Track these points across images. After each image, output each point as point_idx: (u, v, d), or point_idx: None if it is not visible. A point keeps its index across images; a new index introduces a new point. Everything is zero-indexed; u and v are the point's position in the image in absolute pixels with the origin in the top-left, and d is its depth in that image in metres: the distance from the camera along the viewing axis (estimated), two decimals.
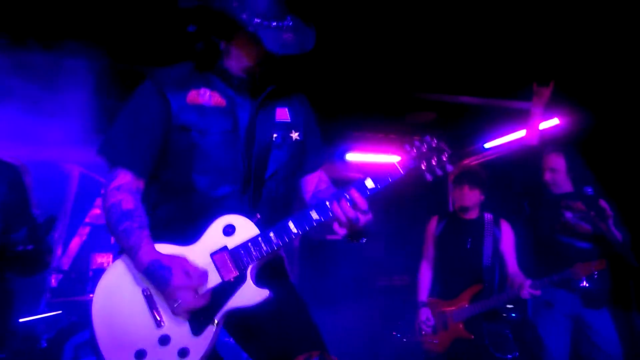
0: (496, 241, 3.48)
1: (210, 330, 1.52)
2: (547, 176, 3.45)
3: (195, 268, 1.53)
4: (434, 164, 1.65)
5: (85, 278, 4.50)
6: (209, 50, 1.69)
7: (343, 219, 1.55)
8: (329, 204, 1.57)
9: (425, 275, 3.64)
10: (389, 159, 6.70)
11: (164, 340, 1.51)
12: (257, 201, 1.65)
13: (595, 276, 3.08)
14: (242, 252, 1.57)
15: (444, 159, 1.66)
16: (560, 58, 4.15)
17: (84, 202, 5.32)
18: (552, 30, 3.82)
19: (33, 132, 4.03)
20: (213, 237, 1.59)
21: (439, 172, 1.66)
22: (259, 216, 1.62)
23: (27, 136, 3.92)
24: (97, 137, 2.10)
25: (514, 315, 4.47)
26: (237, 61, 1.68)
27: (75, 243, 5.25)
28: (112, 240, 4.92)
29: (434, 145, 1.67)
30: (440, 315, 3.40)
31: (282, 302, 1.66)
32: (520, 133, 4.93)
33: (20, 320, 3.71)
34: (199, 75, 1.71)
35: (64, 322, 4.02)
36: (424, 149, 1.66)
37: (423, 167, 1.65)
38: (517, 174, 3.65)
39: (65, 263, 5.13)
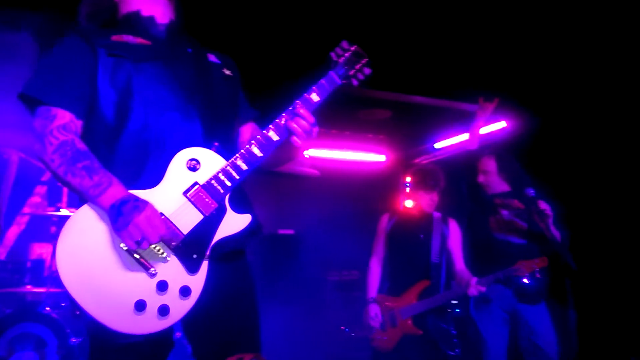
0: (444, 239, 3.56)
1: (205, 265, 1.50)
2: (481, 178, 3.60)
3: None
4: (357, 68, 1.76)
5: (22, 269, 4.30)
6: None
7: (301, 133, 1.61)
8: (285, 122, 1.61)
9: (375, 272, 3.68)
10: (343, 155, 6.75)
11: (162, 286, 1.45)
12: (209, 129, 1.63)
13: (537, 274, 3.21)
14: (216, 184, 1.53)
15: (364, 62, 1.77)
16: (511, 63, 4.30)
17: (22, 189, 5.06)
18: (504, 36, 3.96)
19: None
20: (178, 175, 1.52)
21: (361, 77, 1.77)
22: (217, 144, 1.60)
23: None
24: None
25: (458, 310, 4.59)
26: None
27: (12, 232, 4.99)
28: (52, 229, 4.74)
29: (353, 49, 1.77)
30: (388, 312, 3.44)
31: (231, 296, 1.64)
32: (465, 136, 5.08)
33: None
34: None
35: None
36: (348, 54, 1.76)
37: (351, 73, 1.75)
38: (462, 175, 3.78)
39: (2, 253, 4.88)
